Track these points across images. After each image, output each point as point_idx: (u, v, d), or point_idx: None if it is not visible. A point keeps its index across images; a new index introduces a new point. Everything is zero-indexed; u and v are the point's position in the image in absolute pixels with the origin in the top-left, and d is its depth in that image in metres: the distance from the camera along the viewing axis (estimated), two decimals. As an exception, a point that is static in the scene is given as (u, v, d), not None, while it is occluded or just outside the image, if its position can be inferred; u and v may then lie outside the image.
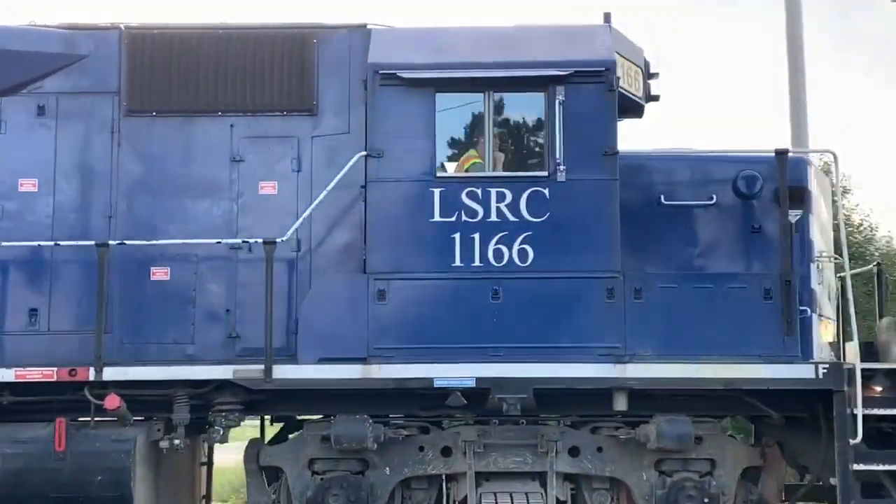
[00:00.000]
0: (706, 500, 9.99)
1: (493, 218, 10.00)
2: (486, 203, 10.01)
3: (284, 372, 9.88)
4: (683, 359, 9.87)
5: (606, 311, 9.90)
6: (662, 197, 10.52)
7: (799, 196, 10.51)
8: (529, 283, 9.99)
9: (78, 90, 10.89)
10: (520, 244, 9.97)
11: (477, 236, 9.96)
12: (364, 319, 9.94)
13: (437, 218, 10.03)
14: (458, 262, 9.98)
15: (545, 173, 10.09)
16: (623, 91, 10.68)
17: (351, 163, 10.11)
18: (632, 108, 11.33)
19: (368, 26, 10.94)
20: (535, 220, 9.99)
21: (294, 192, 10.62)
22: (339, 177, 10.10)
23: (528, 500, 10.13)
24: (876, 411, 9.91)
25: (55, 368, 9.96)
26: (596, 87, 10.18)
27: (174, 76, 10.86)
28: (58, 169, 10.76)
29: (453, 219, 10.03)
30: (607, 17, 11.05)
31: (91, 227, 10.67)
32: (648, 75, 11.40)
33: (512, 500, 10.14)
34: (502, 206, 10.01)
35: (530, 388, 9.82)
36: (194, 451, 11.83)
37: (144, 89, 10.79)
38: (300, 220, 10.15)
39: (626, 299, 9.93)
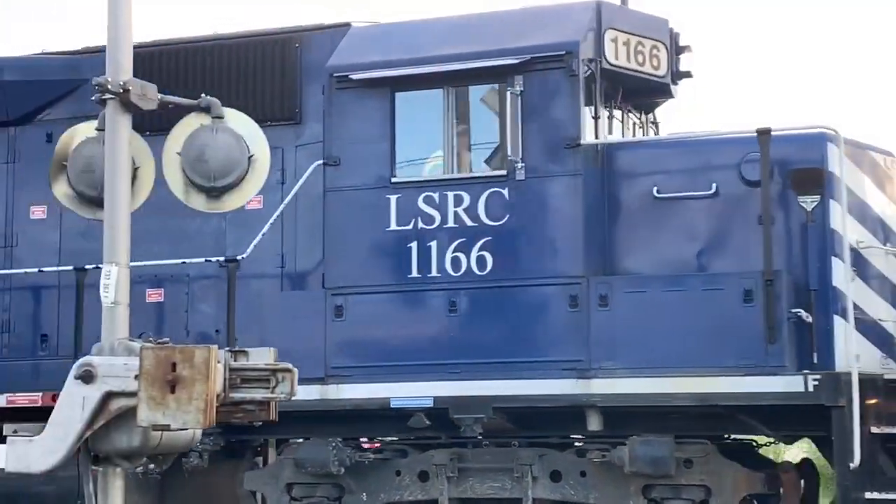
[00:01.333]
0: None
1: (451, 224, 9.55)
2: (443, 208, 9.60)
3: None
4: (654, 372, 9.03)
5: (569, 321, 9.19)
6: (656, 189, 9.52)
7: (815, 179, 9.26)
8: (488, 293, 9.47)
9: (81, 115, 10.40)
10: (478, 251, 9.46)
11: (434, 244, 9.57)
12: (322, 337, 9.71)
13: (393, 227, 9.69)
14: (414, 274, 9.64)
15: (503, 172, 9.51)
16: (626, 71, 9.92)
17: (307, 173, 9.82)
18: (655, 89, 10.62)
19: (353, 25, 10.69)
20: (494, 223, 9.47)
21: (279, 204, 10.31)
22: (295, 189, 9.87)
23: None
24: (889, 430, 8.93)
25: (41, 394, 10.21)
26: (556, 74, 9.46)
27: (175, 93, 11.08)
28: None
29: (410, 227, 9.67)
30: None
31: (96, 251, 11.04)
32: (677, 50, 10.55)
33: None
34: (460, 210, 9.57)
35: (489, 407, 9.26)
36: (234, 477, 11.15)
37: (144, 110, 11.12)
38: (259, 236, 9.77)
39: (590, 307, 9.18)
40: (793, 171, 9.29)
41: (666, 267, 9.68)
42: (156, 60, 10.92)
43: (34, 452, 6.13)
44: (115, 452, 6.29)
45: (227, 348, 6.07)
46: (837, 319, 9.20)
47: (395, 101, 9.86)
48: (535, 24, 10.06)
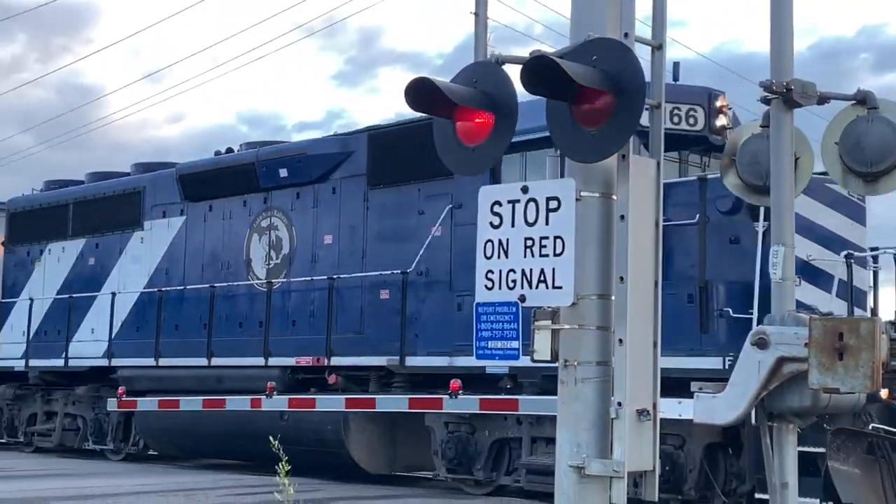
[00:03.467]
0: (667, 468, 11.78)
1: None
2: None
3: (412, 361, 14.27)
4: None
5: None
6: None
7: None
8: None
9: (349, 174, 15.93)
10: None
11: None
12: (451, 324, 13.88)
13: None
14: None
15: None
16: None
17: (443, 214, 14.12)
18: (695, 141, 13.34)
19: None
20: None
21: (450, 232, 14.57)
22: (437, 223, 14.18)
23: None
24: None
25: (310, 357, 15.32)
26: None
27: (392, 160, 15.29)
28: (341, 227, 15.87)
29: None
30: (676, 66, 13.65)
31: (354, 264, 15.49)
32: (717, 111, 13.16)
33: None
34: None
35: (540, 374, 12.54)
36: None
37: (377, 170, 15.45)
38: (417, 256, 14.26)
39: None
40: (746, 204, 11.27)
41: (669, 276, 12.40)
42: (387, 138, 15.39)
43: (719, 407, 6.90)
44: (787, 410, 6.84)
45: (888, 320, 6.71)
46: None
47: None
48: None
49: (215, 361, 16.99)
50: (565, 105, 6.09)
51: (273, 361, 16.06)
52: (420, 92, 6.34)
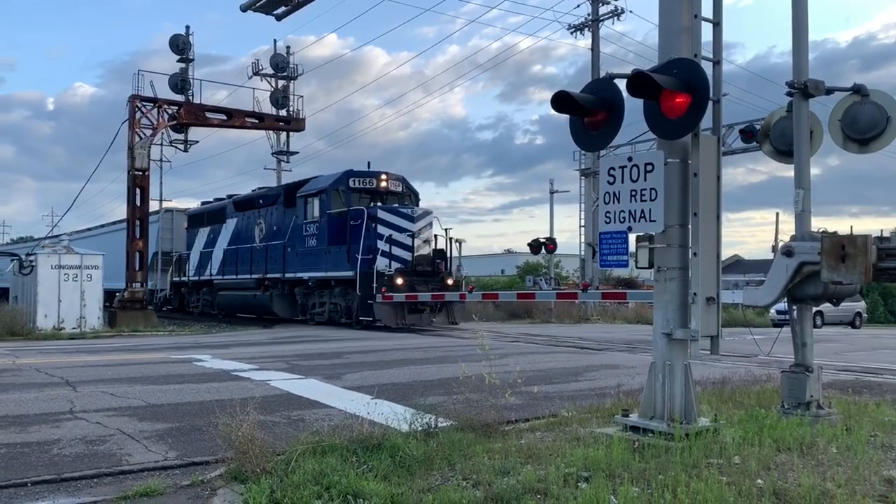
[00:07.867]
0: (343, 308, 27.10)
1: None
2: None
3: (287, 275, 32.98)
4: (330, 270, 27.22)
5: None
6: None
7: (373, 218, 25.22)
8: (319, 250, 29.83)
9: (280, 202, 33.91)
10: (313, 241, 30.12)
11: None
12: (296, 261, 31.77)
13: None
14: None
15: (316, 219, 30.00)
16: (363, 188, 28.67)
17: (293, 218, 31.09)
18: (385, 192, 27.97)
19: (322, 175, 31.36)
20: (316, 233, 30.18)
21: (296, 227, 30.65)
22: (292, 222, 31.16)
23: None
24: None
25: (262, 274, 34.88)
26: (325, 195, 28.29)
27: (289, 196, 33.65)
28: (277, 224, 33.06)
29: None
30: (369, 164, 26.95)
31: (279, 238, 33.42)
32: (381, 180, 28.95)
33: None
34: (313, 228, 28.90)
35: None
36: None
37: (287, 201, 32.95)
38: (287, 235, 31.29)
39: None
40: (351, 215, 25.94)
41: (344, 242, 27.30)
42: (294, 186, 31.45)
43: (759, 294, 7.98)
44: (806, 296, 7.83)
45: (876, 235, 7.12)
46: (378, 257, 25.33)
47: (307, 202, 29.78)
48: (326, 179, 27.60)
49: (238, 276, 33.06)
50: (656, 103, 6.70)
51: (253, 276, 31.19)
52: (560, 100, 7.13)
